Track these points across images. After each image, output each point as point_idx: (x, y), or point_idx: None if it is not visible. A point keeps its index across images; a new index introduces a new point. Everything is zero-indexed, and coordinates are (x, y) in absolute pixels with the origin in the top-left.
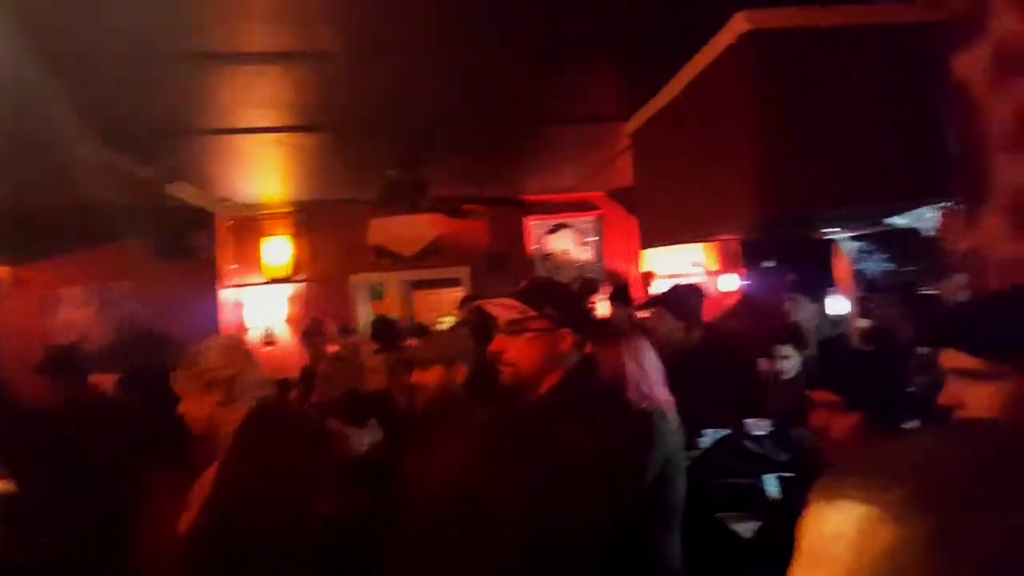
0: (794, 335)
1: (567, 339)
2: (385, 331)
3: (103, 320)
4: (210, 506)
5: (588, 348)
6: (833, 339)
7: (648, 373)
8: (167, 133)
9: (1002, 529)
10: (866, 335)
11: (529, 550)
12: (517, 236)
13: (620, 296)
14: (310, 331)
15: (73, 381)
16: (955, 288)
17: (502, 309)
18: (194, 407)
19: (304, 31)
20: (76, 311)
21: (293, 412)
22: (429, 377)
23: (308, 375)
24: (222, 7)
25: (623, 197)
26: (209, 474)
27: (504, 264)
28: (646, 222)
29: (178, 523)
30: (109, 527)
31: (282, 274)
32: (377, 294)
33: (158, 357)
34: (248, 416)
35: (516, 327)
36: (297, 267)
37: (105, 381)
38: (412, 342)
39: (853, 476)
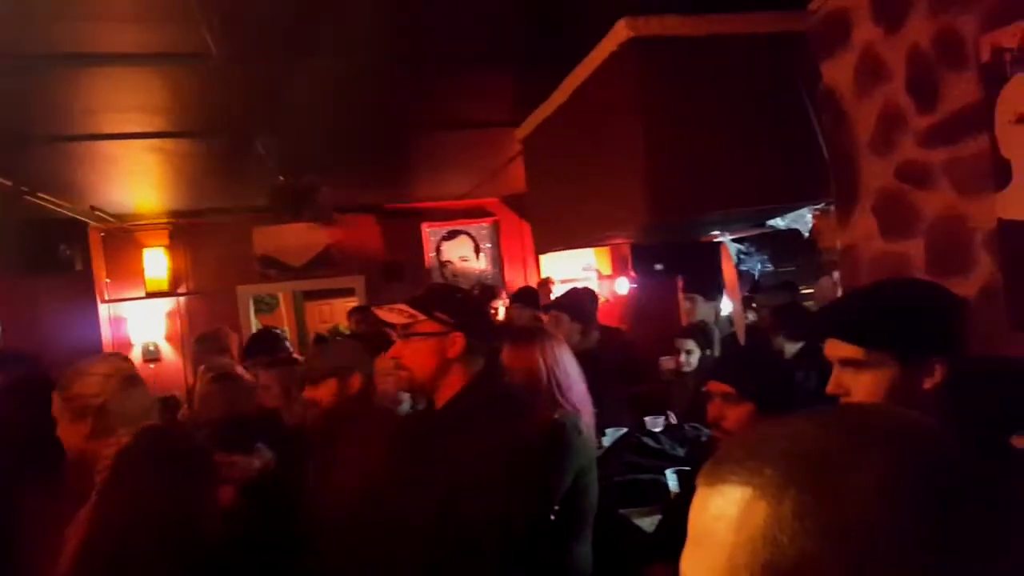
0: (698, 332)
1: (458, 342)
2: (265, 343)
3: None
4: (85, 546)
5: (501, 352)
6: (729, 335)
7: (564, 378)
8: (26, 140)
9: (838, 497)
10: (752, 330)
11: (435, 560)
12: (413, 243)
13: (524, 299)
14: (204, 340)
15: None
16: (829, 285)
17: (393, 314)
18: (66, 434)
19: (176, 31)
20: None
21: (174, 438)
22: (322, 392)
23: (200, 393)
24: (83, 5)
25: (517, 203)
26: (85, 511)
27: (400, 273)
28: (538, 227)
29: (54, 555)
30: None
31: (162, 287)
32: (267, 306)
33: (31, 375)
34: (123, 449)
35: (407, 331)
36: (177, 280)
37: None
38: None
39: (731, 460)
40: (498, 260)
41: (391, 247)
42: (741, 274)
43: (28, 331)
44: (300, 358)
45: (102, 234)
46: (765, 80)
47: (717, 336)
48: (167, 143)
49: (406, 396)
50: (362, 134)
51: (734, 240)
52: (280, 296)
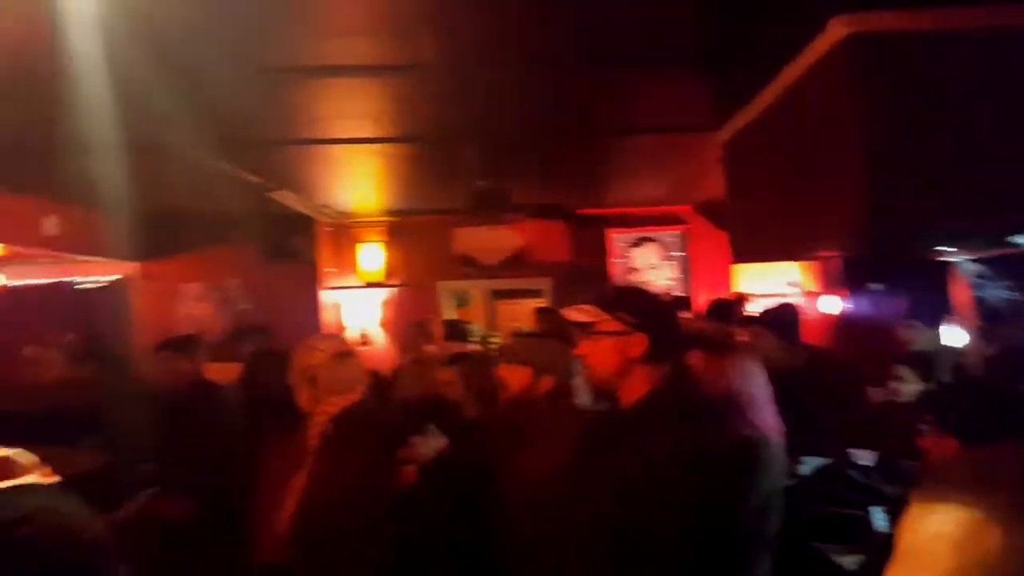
0: (918, 361)
1: (640, 343)
2: (456, 333)
3: (220, 315)
4: (303, 498)
5: (692, 361)
6: (955, 367)
7: (755, 396)
8: (272, 143)
9: None
10: (984, 366)
11: (612, 564)
12: (600, 249)
13: (718, 313)
14: (414, 327)
15: (188, 364)
16: None
17: (578, 313)
18: (298, 398)
19: (401, 44)
20: (196, 305)
21: (378, 413)
22: (515, 376)
23: (396, 374)
24: (326, 23)
25: (712, 211)
26: (305, 467)
27: (585, 277)
28: (737, 237)
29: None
30: (231, 491)
31: (376, 278)
32: (463, 301)
33: (273, 346)
34: (335, 416)
35: (590, 330)
36: (390, 272)
37: (223, 370)
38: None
39: (955, 481)
40: (687, 270)
41: (578, 251)
42: (978, 301)
43: (268, 309)
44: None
45: (328, 229)
46: (1003, 76)
47: (941, 367)
48: (386, 147)
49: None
50: (557, 139)
51: (971, 261)
52: (474, 293)
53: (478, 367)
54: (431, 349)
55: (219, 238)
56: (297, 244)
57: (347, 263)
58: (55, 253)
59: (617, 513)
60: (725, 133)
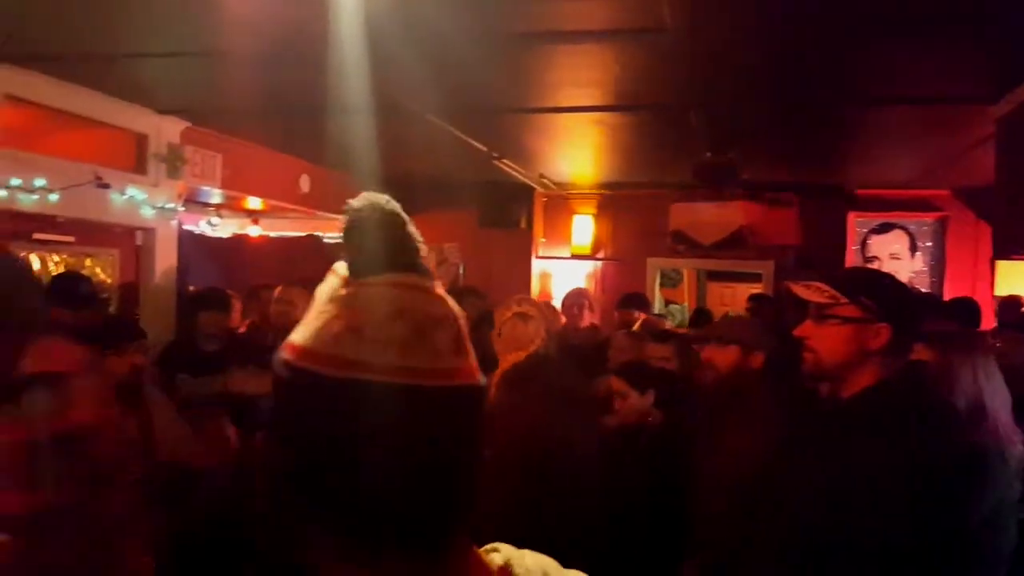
0: None
1: (882, 335)
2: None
3: (439, 275)
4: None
5: (924, 357)
6: None
7: (993, 401)
8: (501, 111)
9: None
10: None
11: (812, 560)
12: (835, 233)
13: (965, 311)
14: (570, 300)
15: None
16: None
17: (810, 291)
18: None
19: (642, 6)
20: None
21: (546, 366)
22: (723, 356)
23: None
24: None
25: (974, 197)
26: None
27: (815, 262)
28: (1005, 229)
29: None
30: None
31: (586, 251)
32: (671, 280)
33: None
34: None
35: (823, 312)
36: (598, 245)
37: None
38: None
39: None
40: (939, 263)
41: (809, 235)
42: None
43: (482, 274)
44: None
45: (544, 199)
46: None
47: None
48: (608, 117)
49: None
50: (798, 109)
51: None
52: (685, 272)
53: (690, 347)
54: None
55: (443, 202)
56: (514, 212)
57: (560, 233)
58: (305, 209)
59: (819, 515)
60: (1001, 107)
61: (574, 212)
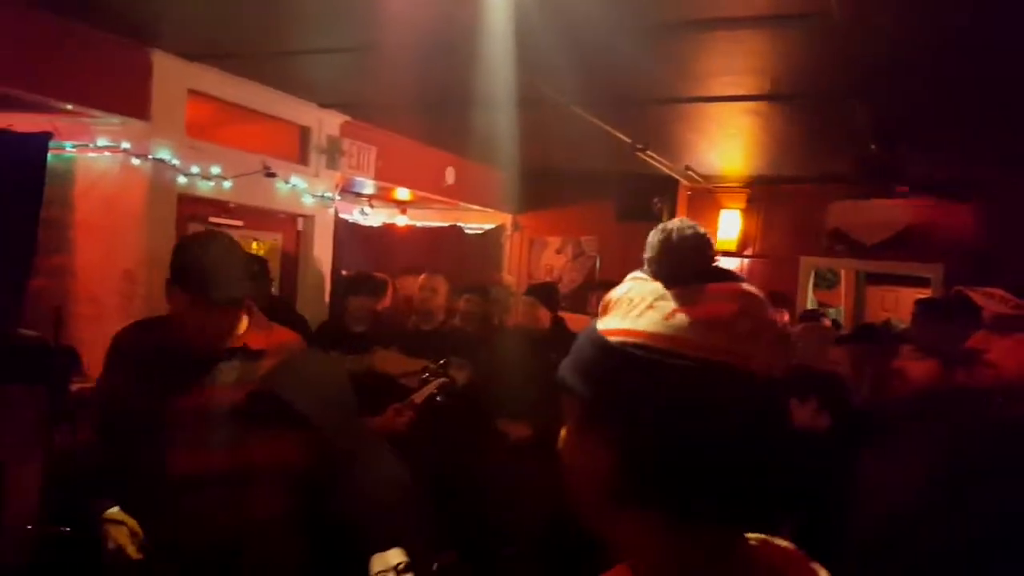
0: None
1: None
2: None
3: (574, 267)
4: None
5: None
6: None
7: None
8: (647, 101)
9: None
10: None
11: None
12: (1019, 236)
13: None
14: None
15: (546, 310)
16: None
17: (990, 300)
18: None
19: None
20: (554, 256)
21: None
22: (919, 368)
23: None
24: None
25: None
26: None
27: (993, 267)
28: None
29: None
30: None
31: (731, 247)
32: (826, 282)
33: None
34: None
35: (1005, 324)
36: (745, 242)
37: (572, 319)
38: None
39: None
40: None
41: (990, 236)
42: None
43: (618, 268)
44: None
45: (689, 192)
46: None
47: None
48: (763, 107)
49: None
50: (978, 96)
51: None
52: (842, 274)
53: (875, 354)
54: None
55: (581, 195)
56: (656, 206)
57: (704, 228)
58: (449, 200)
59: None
60: None
61: (721, 206)
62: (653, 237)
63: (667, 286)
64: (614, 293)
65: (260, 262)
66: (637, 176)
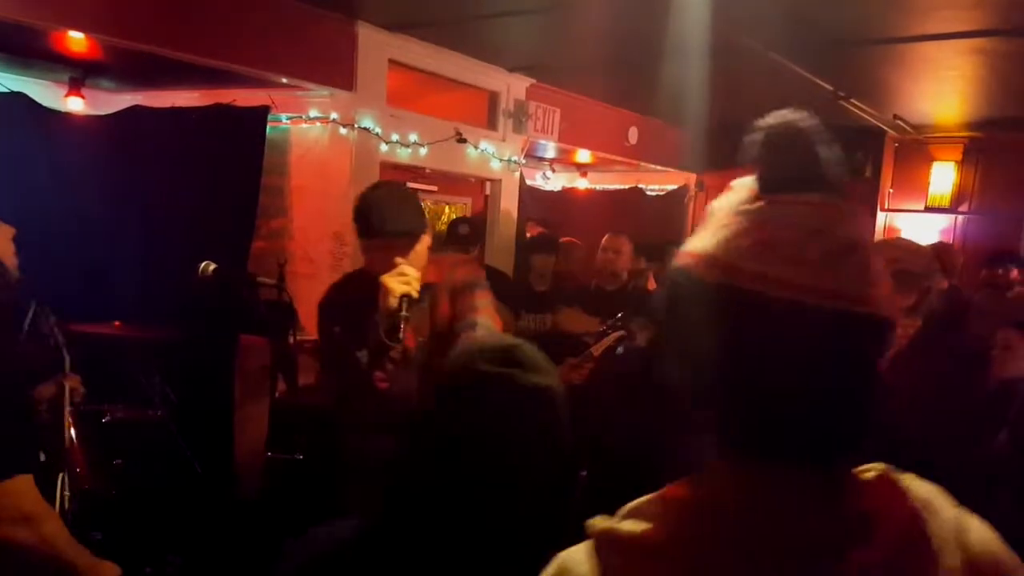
0: None
1: None
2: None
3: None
4: None
5: None
6: None
7: None
8: (853, 43)
9: None
10: None
11: None
12: None
13: None
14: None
15: None
16: None
17: None
18: None
19: None
20: None
21: None
22: None
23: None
24: None
25: None
26: None
27: None
28: None
29: None
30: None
31: (944, 203)
32: None
33: None
34: None
35: None
36: (960, 197)
37: None
38: None
39: None
40: None
41: None
42: None
43: None
44: None
45: (896, 144)
46: None
47: None
48: (987, 43)
49: None
50: None
51: None
52: None
53: None
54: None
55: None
56: (858, 159)
57: (912, 183)
58: (631, 162)
59: None
60: None
61: (933, 159)
62: (757, 134)
63: (759, 196)
64: (712, 204)
65: (472, 224)
66: (837, 128)
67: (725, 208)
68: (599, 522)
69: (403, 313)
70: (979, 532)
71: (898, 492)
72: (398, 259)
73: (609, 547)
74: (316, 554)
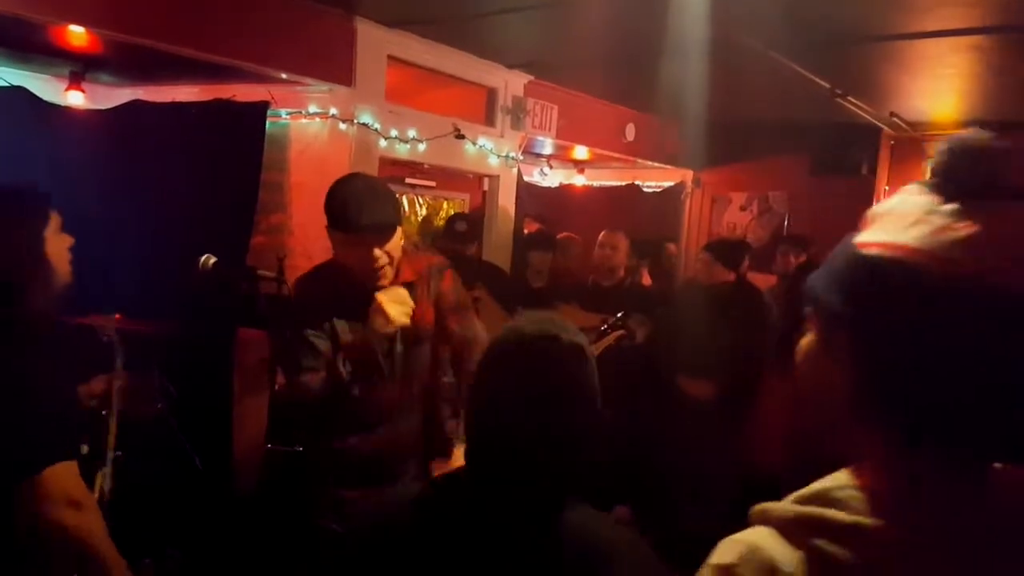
0: None
1: None
2: None
3: (760, 225)
4: None
5: None
6: None
7: None
8: (851, 40)
9: None
10: None
11: None
12: None
13: None
14: None
15: (731, 267)
16: None
17: None
18: None
19: None
20: (738, 213)
21: None
22: None
23: None
24: None
25: None
26: None
27: None
28: None
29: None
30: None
31: None
32: None
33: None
34: None
35: None
36: None
37: (759, 279)
38: None
39: None
40: None
41: None
42: None
43: (810, 224)
44: None
45: (892, 142)
46: None
47: None
48: (987, 40)
49: None
50: None
51: None
52: None
53: None
54: None
55: (771, 148)
56: (855, 157)
57: (908, 180)
58: (629, 158)
59: None
60: None
61: (928, 157)
62: (941, 146)
63: (947, 201)
64: (880, 207)
65: (469, 220)
66: (834, 126)
67: (910, 208)
68: (790, 507)
69: (399, 349)
70: None
71: None
72: (376, 251)
73: (818, 534)
74: (383, 514)
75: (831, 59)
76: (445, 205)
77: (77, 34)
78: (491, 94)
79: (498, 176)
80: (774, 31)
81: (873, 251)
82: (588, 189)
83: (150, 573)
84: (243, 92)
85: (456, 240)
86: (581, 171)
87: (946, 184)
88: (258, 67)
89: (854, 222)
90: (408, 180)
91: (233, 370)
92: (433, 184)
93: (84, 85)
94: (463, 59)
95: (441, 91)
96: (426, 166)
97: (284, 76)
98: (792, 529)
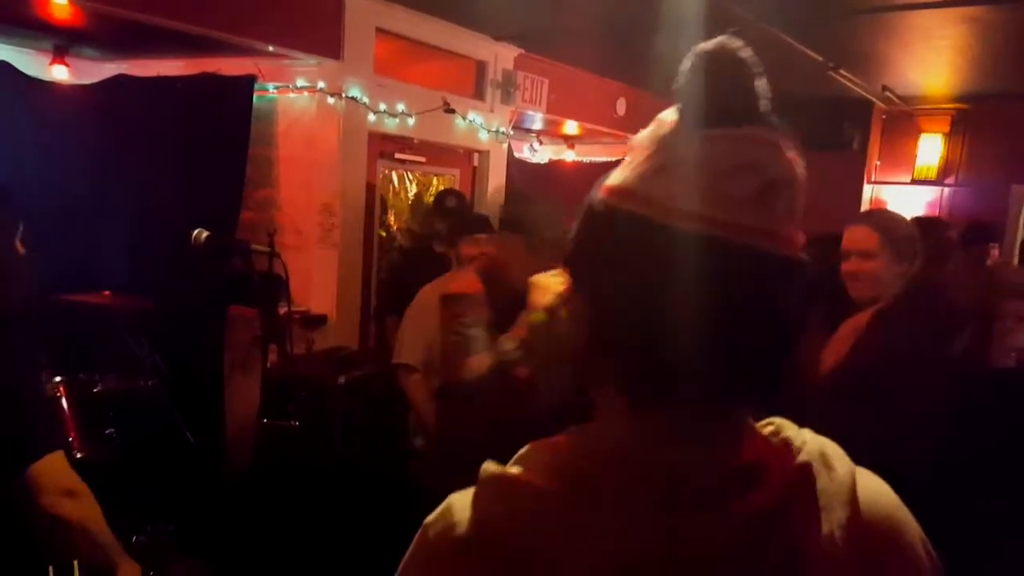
0: None
1: None
2: None
3: None
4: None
5: None
6: None
7: None
8: (844, 13)
9: None
10: None
11: None
12: None
13: None
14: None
15: None
16: None
17: None
18: None
19: None
20: None
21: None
22: None
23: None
24: None
25: None
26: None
27: None
28: None
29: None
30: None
31: (931, 175)
32: None
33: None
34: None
35: None
36: (947, 169)
37: None
38: None
39: None
40: None
41: None
42: None
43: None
44: None
45: (883, 116)
46: None
47: None
48: (984, 11)
49: None
50: None
51: None
52: None
53: None
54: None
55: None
56: (847, 131)
57: (900, 155)
58: (619, 133)
59: None
60: None
61: (920, 130)
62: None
63: (691, 128)
64: (633, 137)
65: (459, 196)
66: (825, 100)
67: (644, 140)
68: (490, 466)
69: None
70: (871, 489)
71: (791, 446)
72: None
73: (493, 492)
74: None
75: (823, 31)
76: (435, 181)
77: (60, 6)
78: (480, 67)
79: (488, 151)
80: (765, 3)
81: (599, 195)
82: (578, 165)
83: (144, 549)
84: (229, 66)
85: (447, 216)
86: (571, 147)
87: (683, 111)
88: (244, 39)
89: (845, 196)
90: (398, 156)
91: (223, 347)
92: (423, 160)
93: (68, 59)
94: (452, 31)
95: (431, 64)
96: (416, 141)
97: (271, 49)
98: (481, 487)
